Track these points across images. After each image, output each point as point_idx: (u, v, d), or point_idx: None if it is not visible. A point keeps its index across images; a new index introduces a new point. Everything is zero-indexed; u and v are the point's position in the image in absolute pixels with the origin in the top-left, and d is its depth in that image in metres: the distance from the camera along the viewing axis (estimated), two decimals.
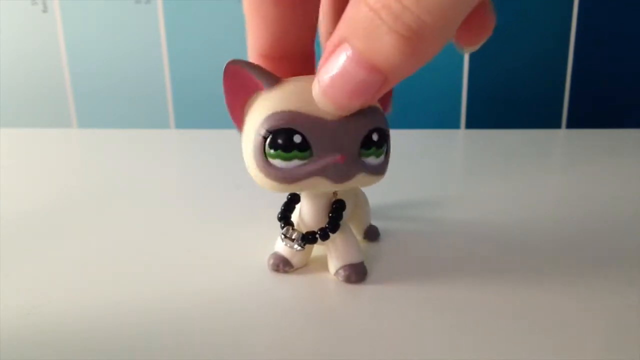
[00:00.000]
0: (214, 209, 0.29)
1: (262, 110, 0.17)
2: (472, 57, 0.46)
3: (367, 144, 0.17)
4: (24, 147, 0.44)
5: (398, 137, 0.45)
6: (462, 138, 0.46)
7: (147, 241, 0.25)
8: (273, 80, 0.17)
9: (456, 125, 0.48)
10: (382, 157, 0.18)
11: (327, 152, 0.17)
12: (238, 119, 0.18)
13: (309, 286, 0.20)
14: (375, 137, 0.17)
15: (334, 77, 0.15)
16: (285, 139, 0.17)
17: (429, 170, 0.36)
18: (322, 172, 0.17)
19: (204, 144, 0.44)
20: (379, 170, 0.18)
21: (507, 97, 0.47)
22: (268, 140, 0.17)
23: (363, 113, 0.17)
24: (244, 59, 0.18)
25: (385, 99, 0.19)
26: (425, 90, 0.47)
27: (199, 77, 0.48)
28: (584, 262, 0.22)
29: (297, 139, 0.17)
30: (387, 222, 0.26)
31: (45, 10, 0.47)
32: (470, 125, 0.48)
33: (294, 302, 0.19)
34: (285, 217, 0.20)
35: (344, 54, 0.15)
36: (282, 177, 0.17)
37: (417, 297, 0.19)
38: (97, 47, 0.48)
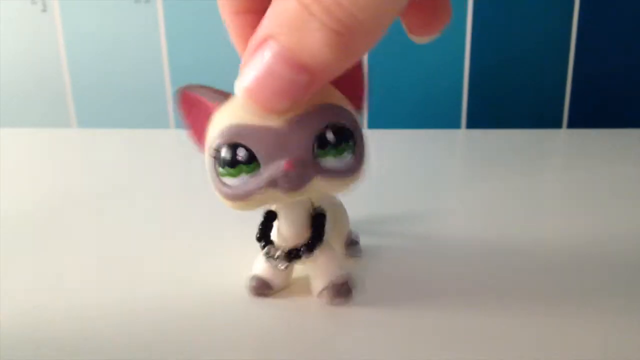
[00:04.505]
0: (213, 209, 0.28)
1: (212, 129, 0.17)
2: (473, 56, 0.46)
3: (322, 144, 0.16)
4: (24, 147, 0.44)
5: (398, 138, 0.46)
6: (462, 138, 0.46)
7: (145, 242, 0.25)
8: (221, 96, 0.17)
9: (457, 125, 0.48)
10: (346, 156, 0.16)
11: (274, 160, 0.16)
12: (201, 143, 0.18)
13: (291, 309, 0.19)
14: (330, 135, 0.16)
15: (257, 76, 0.14)
16: (230, 155, 0.16)
17: (428, 174, 0.36)
18: (271, 184, 0.16)
19: None
20: (346, 172, 0.16)
21: (508, 97, 0.47)
22: (217, 159, 0.16)
23: (314, 111, 0.16)
24: (195, 84, 0.17)
25: (356, 95, 0.18)
26: (425, 89, 0.47)
27: (199, 77, 0.48)
28: (587, 272, 0.21)
29: (240, 152, 0.16)
30: (376, 236, 0.25)
31: (44, 10, 0.47)
32: (471, 125, 0.48)
33: (276, 325, 0.18)
34: (264, 236, 0.19)
35: (268, 50, 0.14)
36: (234, 195, 0.16)
37: (405, 323, 0.18)
38: (97, 47, 0.48)
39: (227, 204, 0.17)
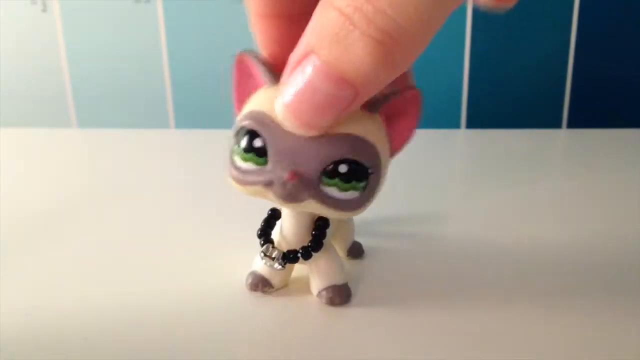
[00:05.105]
0: (212, 210, 0.29)
1: (248, 106, 0.17)
2: (473, 56, 0.46)
3: (332, 173, 0.16)
4: (24, 147, 0.44)
5: None
6: (462, 138, 0.46)
7: (145, 242, 0.25)
8: (272, 77, 0.17)
9: (457, 125, 0.48)
10: (352, 193, 0.16)
11: (281, 165, 0.16)
12: (239, 111, 0.18)
13: (290, 308, 0.19)
14: (343, 168, 0.16)
15: (299, 92, 0.14)
16: (247, 140, 0.16)
17: (428, 174, 0.36)
18: (267, 184, 0.16)
19: (204, 144, 0.44)
20: (345, 206, 0.16)
21: (508, 97, 0.47)
22: (236, 136, 0.17)
23: (340, 137, 0.15)
24: (256, 52, 0.17)
25: (399, 138, 0.17)
26: (425, 89, 0.47)
27: (199, 77, 0.48)
28: (587, 272, 0.21)
29: (257, 142, 0.16)
30: (375, 237, 0.25)
31: (44, 10, 0.47)
32: (470, 125, 0.48)
33: (274, 324, 0.18)
34: (265, 234, 0.19)
35: (309, 66, 0.14)
36: (236, 176, 0.17)
37: (403, 323, 0.18)
38: (97, 47, 0.48)
39: (229, 181, 0.17)
